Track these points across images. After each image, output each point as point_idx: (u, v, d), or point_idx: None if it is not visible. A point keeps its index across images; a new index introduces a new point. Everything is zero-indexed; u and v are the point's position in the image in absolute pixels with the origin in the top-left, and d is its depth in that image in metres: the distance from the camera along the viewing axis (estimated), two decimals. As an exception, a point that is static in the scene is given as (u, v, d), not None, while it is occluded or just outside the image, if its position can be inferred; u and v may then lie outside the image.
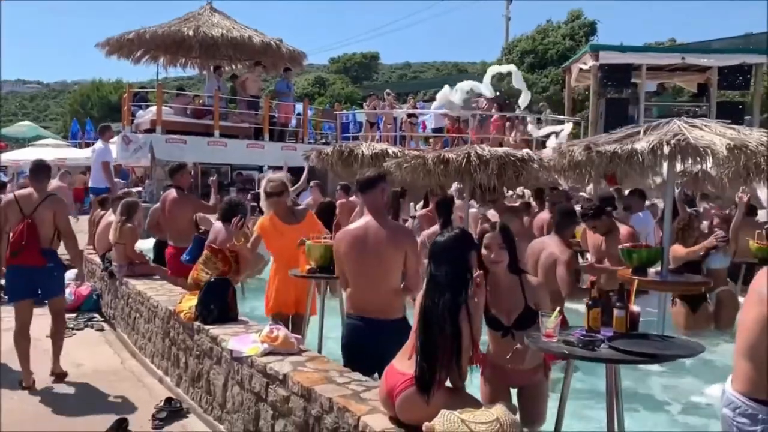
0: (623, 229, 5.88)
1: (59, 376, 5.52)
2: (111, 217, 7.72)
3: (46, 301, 5.59)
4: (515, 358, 3.25)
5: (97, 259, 8.16)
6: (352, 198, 9.79)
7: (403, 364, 2.93)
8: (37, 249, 5.30)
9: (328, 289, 6.14)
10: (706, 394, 4.89)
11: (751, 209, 8.33)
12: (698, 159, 4.92)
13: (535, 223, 7.97)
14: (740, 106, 15.53)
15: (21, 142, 27.74)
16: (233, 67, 17.80)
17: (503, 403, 2.86)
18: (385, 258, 3.70)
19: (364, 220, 3.84)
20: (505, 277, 3.28)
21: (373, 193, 3.84)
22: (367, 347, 3.71)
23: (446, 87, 16.46)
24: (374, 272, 3.70)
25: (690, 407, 4.82)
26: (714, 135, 4.73)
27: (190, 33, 14.60)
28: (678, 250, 5.99)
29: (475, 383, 3.35)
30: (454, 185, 9.39)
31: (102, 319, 7.64)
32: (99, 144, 11.45)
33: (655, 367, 5.23)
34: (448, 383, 2.91)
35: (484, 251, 3.24)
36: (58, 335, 5.60)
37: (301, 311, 5.01)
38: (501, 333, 3.28)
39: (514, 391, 3.45)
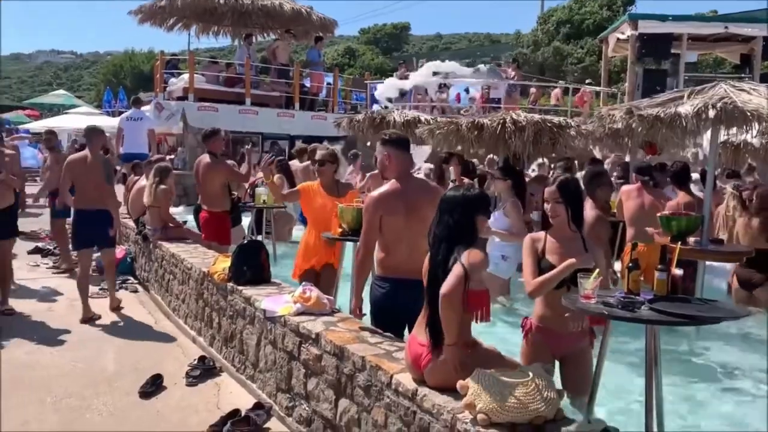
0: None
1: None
2: (143, 181, 7.80)
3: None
4: (565, 319, 3.20)
5: (131, 223, 8.28)
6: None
7: (423, 333, 2.89)
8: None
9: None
10: (744, 365, 4.80)
11: None
12: (744, 126, 4.74)
13: None
14: (785, 78, 14.98)
15: (56, 110, 28.19)
16: (264, 36, 17.70)
17: (540, 363, 2.82)
18: (426, 217, 3.61)
19: (397, 182, 3.76)
20: (566, 231, 3.34)
21: (408, 153, 3.81)
22: (405, 309, 3.57)
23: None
24: (416, 233, 3.53)
25: (728, 377, 4.73)
26: (762, 99, 4.54)
27: (221, 1, 14.56)
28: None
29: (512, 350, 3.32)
30: (489, 157, 9.24)
31: (136, 281, 7.78)
32: (133, 111, 11.45)
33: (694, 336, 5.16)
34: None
35: (545, 205, 3.43)
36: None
37: (333, 264, 5.15)
38: (556, 285, 3.18)
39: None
